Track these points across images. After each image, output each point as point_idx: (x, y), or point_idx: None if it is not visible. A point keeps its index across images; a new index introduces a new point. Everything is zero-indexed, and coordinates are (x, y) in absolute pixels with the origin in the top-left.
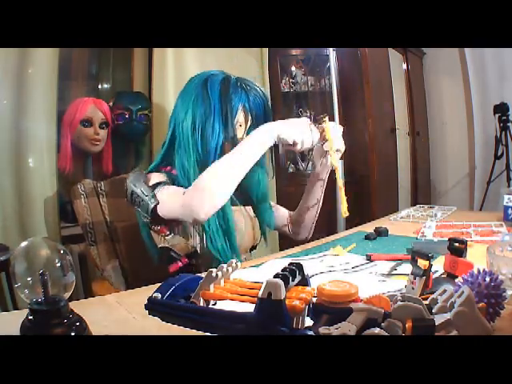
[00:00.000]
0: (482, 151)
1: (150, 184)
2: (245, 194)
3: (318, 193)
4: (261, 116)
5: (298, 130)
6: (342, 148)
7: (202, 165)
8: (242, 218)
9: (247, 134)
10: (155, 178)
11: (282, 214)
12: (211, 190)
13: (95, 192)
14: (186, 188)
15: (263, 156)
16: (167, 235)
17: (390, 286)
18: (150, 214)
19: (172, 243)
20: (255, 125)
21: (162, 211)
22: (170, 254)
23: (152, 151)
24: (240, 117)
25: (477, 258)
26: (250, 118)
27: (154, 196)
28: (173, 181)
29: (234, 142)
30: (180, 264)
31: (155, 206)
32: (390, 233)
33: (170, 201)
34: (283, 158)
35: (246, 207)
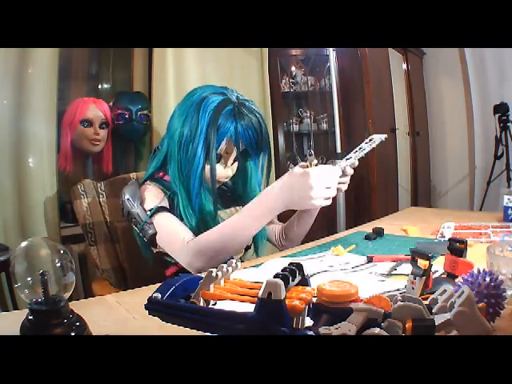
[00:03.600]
0: (482, 151)
1: (146, 206)
2: (238, 198)
3: (315, 214)
4: (252, 146)
5: (307, 204)
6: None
7: (185, 184)
8: None
9: (236, 160)
10: (149, 199)
11: (272, 226)
12: (209, 256)
13: (95, 192)
14: (173, 192)
15: (259, 181)
16: None
17: (390, 286)
18: (149, 241)
19: None
20: (246, 152)
21: (160, 244)
22: (165, 258)
23: (152, 151)
24: (223, 147)
25: (477, 258)
26: (235, 149)
27: (152, 224)
28: (165, 188)
29: (213, 166)
30: (176, 268)
31: (153, 234)
32: (390, 233)
33: (168, 242)
34: (283, 157)
35: (237, 207)
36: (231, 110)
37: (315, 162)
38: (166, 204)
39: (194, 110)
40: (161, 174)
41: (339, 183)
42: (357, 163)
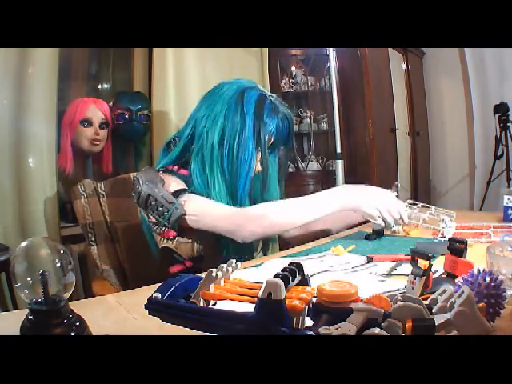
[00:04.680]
0: (482, 151)
1: (171, 190)
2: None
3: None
4: (283, 137)
5: (382, 208)
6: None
7: (229, 183)
8: None
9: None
10: (173, 183)
11: None
12: (271, 222)
13: (95, 192)
14: (199, 193)
15: (278, 175)
16: (172, 239)
17: (390, 286)
18: (173, 223)
19: (176, 246)
20: (274, 144)
21: (197, 221)
22: (172, 255)
23: (152, 151)
24: (266, 140)
25: (477, 258)
26: (272, 140)
27: (180, 205)
28: (184, 182)
29: (264, 165)
30: (183, 266)
31: (181, 215)
32: (390, 233)
33: (212, 216)
34: None
35: None
36: (270, 104)
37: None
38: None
39: (236, 103)
40: (175, 167)
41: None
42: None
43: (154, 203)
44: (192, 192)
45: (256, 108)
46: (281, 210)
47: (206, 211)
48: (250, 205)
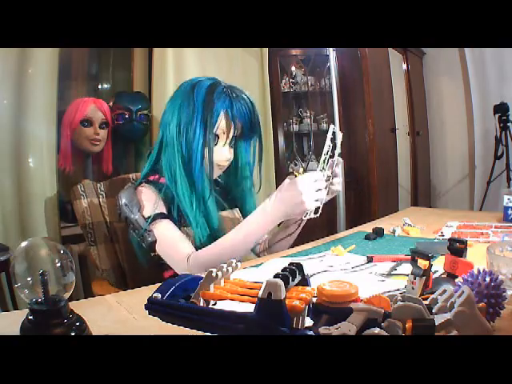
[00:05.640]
0: (482, 151)
1: (145, 214)
2: (232, 199)
3: (296, 229)
4: (247, 125)
5: (301, 209)
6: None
7: (187, 166)
8: (231, 223)
9: (230, 145)
10: (148, 205)
11: None
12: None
13: (95, 192)
14: (171, 196)
15: (251, 167)
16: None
17: (390, 286)
18: (147, 247)
19: None
20: (242, 135)
21: (159, 253)
22: (162, 262)
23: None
24: (222, 123)
25: (477, 258)
26: (233, 126)
27: (151, 232)
28: (160, 190)
29: (211, 147)
30: (173, 271)
31: (153, 242)
32: (390, 233)
33: (168, 253)
34: (283, 157)
35: (234, 210)
36: (223, 89)
37: (301, 170)
38: (163, 208)
39: (189, 94)
40: (156, 176)
41: (332, 184)
42: (341, 160)
43: (131, 225)
44: (168, 199)
45: (205, 93)
46: (213, 256)
47: (163, 248)
48: (204, 191)
